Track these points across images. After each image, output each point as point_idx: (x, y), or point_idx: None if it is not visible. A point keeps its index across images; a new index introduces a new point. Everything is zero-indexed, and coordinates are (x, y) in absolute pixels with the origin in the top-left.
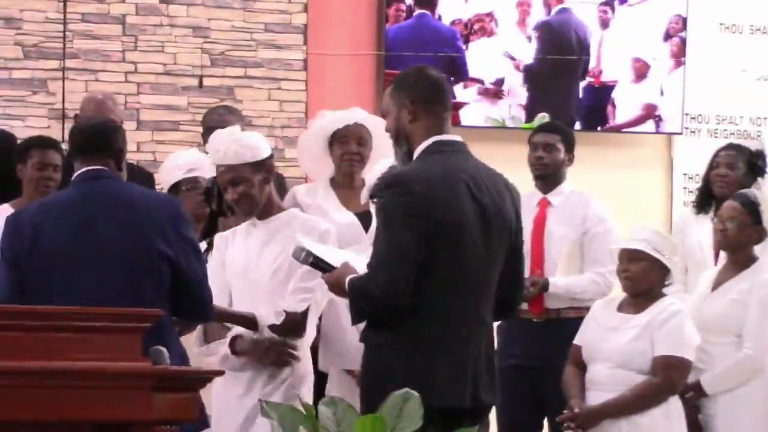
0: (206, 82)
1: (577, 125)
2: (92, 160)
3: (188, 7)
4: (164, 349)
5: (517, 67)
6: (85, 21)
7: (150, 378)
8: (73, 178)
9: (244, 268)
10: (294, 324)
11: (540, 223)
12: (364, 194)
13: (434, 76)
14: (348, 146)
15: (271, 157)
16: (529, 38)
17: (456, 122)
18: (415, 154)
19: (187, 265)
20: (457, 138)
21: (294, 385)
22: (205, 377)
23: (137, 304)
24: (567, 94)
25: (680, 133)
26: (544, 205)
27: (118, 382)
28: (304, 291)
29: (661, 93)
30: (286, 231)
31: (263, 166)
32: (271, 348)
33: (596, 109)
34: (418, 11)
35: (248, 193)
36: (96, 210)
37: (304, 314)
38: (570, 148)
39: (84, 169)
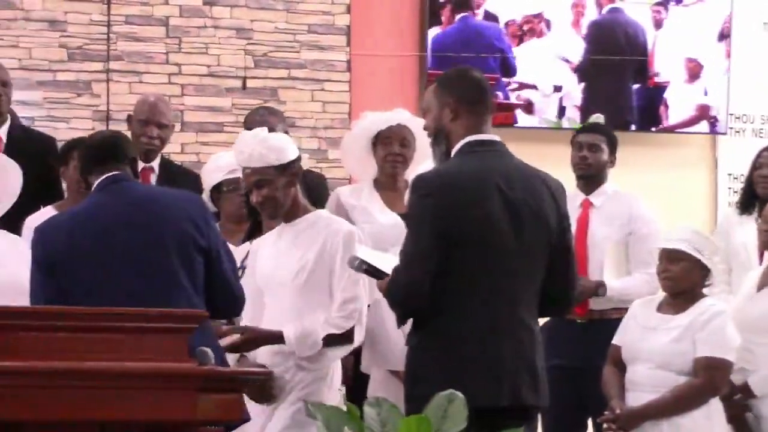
0: (250, 83)
1: (632, 126)
2: (109, 169)
3: (232, 9)
4: (210, 350)
5: (571, 68)
6: (129, 23)
7: (196, 379)
8: (94, 186)
9: (271, 270)
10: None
11: (583, 224)
12: (407, 196)
13: (478, 77)
14: (391, 147)
15: (297, 159)
16: (583, 38)
17: (511, 123)
18: (452, 154)
19: (219, 257)
20: (494, 137)
21: (311, 389)
22: (250, 378)
23: (176, 302)
24: (621, 95)
25: (725, 134)
26: (586, 205)
27: (165, 383)
28: (351, 301)
29: (705, 93)
30: (311, 232)
31: (288, 169)
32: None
33: (649, 109)
34: (467, 13)
35: (272, 196)
36: (125, 211)
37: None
38: (613, 149)
39: (104, 176)
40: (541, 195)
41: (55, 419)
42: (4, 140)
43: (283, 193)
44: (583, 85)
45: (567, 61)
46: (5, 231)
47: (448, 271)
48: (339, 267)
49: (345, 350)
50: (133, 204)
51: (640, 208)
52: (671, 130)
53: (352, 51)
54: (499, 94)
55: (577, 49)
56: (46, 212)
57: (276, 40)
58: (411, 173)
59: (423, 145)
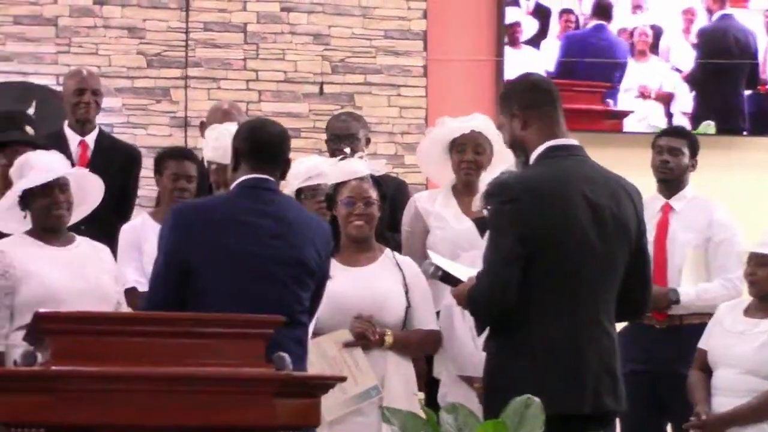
0: (326, 89)
1: (744, 131)
2: (262, 170)
3: (309, 15)
4: (287, 355)
5: (682, 77)
6: (207, 30)
7: (273, 384)
8: (238, 181)
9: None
10: None
11: (662, 228)
12: (476, 202)
13: (539, 81)
14: (465, 155)
15: None
16: (693, 46)
17: (618, 129)
18: (531, 160)
19: (322, 289)
20: (573, 141)
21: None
22: (327, 383)
23: (289, 314)
24: (732, 101)
25: None
26: (666, 210)
27: (243, 388)
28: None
29: None
30: None
31: None
32: None
33: (761, 115)
34: (595, 22)
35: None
36: (258, 220)
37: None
38: (694, 153)
39: (252, 176)
40: (621, 199)
41: (133, 424)
42: (92, 147)
43: None
44: (693, 93)
45: (678, 70)
46: (88, 238)
47: (530, 276)
48: None
49: None
50: (275, 216)
51: (718, 214)
52: None
53: (429, 56)
54: (609, 101)
55: (687, 57)
56: (141, 221)
57: (353, 45)
58: (489, 178)
59: (500, 150)
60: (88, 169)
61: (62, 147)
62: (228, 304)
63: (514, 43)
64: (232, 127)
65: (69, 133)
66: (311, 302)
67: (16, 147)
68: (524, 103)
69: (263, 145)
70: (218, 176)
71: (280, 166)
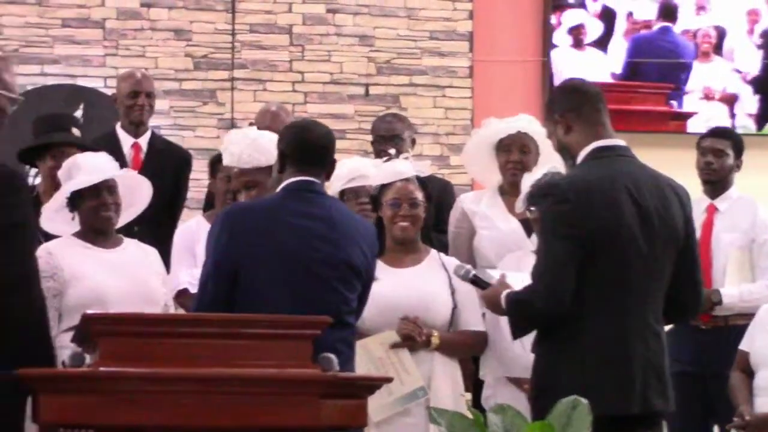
0: (372, 90)
1: None
2: (308, 172)
3: (354, 17)
4: (333, 356)
5: (744, 78)
6: (253, 32)
7: (320, 385)
8: (285, 184)
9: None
10: None
11: (707, 229)
12: (519, 203)
13: (577, 84)
14: (511, 155)
15: None
16: (757, 47)
17: (682, 130)
18: (578, 161)
19: (368, 290)
20: (620, 142)
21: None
22: (374, 384)
23: (337, 315)
24: None
25: None
26: (711, 210)
27: (289, 389)
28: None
29: None
30: None
31: None
32: None
33: None
34: (661, 24)
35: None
36: (305, 222)
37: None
38: (739, 153)
39: (298, 179)
40: (669, 200)
41: (181, 425)
42: (144, 150)
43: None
44: (758, 94)
45: (742, 71)
46: (137, 240)
47: (580, 277)
48: None
49: None
50: (322, 218)
51: (762, 215)
52: None
53: (474, 57)
54: (674, 102)
55: (751, 58)
56: (196, 223)
57: (398, 47)
58: (531, 179)
59: (547, 150)
60: (140, 171)
61: (115, 149)
62: (276, 306)
63: (578, 45)
64: (251, 133)
65: (122, 135)
66: (357, 303)
67: (63, 149)
68: (564, 107)
69: (309, 148)
70: (240, 180)
71: (326, 168)
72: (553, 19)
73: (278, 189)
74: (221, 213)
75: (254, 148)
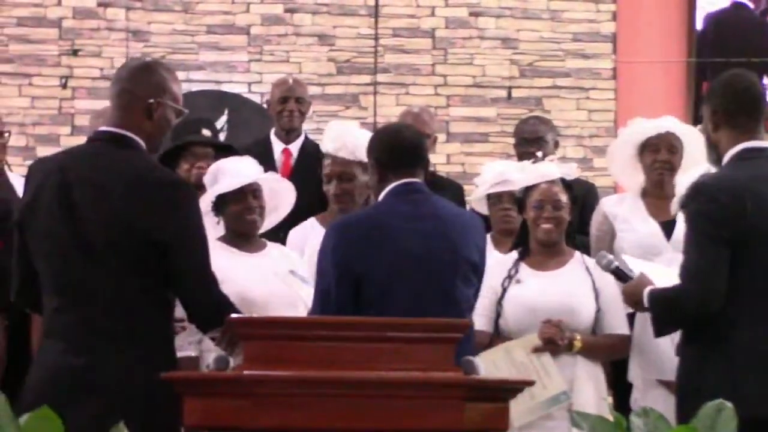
0: (515, 93)
1: None
2: (408, 174)
3: (497, 19)
4: (476, 359)
5: None
6: (396, 36)
7: (463, 388)
8: (389, 189)
9: None
10: None
11: None
12: (674, 205)
13: (742, 86)
14: (658, 154)
15: None
16: None
17: None
18: (724, 162)
19: (480, 282)
20: (766, 144)
21: None
22: (516, 387)
23: (453, 315)
24: None
25: None
26: None
27: (432, 392)
28: None
29: None
30: None
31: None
32: None
33: None
34: None
35: (350, 191)
36: (418, 223)
37: None
38: None
39: (401, 182)
40: None
41: (325, 427)
42: (295, 155)
43: (360, 192)
44: None
45: None
46: (279, 244)
47: (729, 279)
48: None
49: None
50: (433, 216)
51: None
52: None
53: (618, 58)
54: None
55: None
56: (310, 224)
57: (541, 49)
58: (679, 181)
59: (691, 152)
60: (290, 177)
61: (267, 154)
62: (402, 310)
63: None
64: (353, 127)
65: (274, 141)
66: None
67: (194, 150)
68: (720, 107)
69: (405, 150)
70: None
71: (423, 167)
72: None
73: (382, 196)
74: (331, 227)
75: (355, 142)
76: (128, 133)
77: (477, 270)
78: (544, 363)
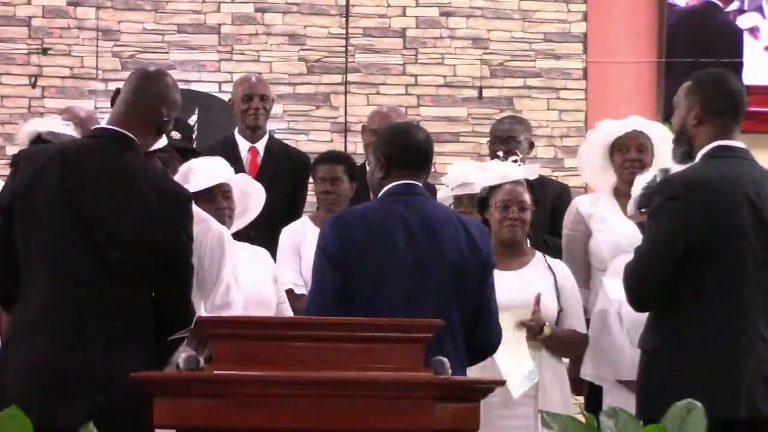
0: (485, 93)
1: None
2: (413, 175)
3: (468, 19)
4: (446, 360)
5: None
6: (367, 35)
7: (433, 388)
8: (390, 188)
9: None
10: None
11: None
12: (630, 206)
13: (732, 88)
14: (628, 154)
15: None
16: None
17: None
18: (697, 157)
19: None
20: (741, 144)
21: None
22: (487, 388)
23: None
24: None
25: None
26: None
27: (402, 393)
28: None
29: None
30: None
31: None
32: None
33: None
34: None
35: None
36: (413, 224)
37: None
38: None
39: (403, 182)
40: None
41: (295, 428)
42: (262, 154)
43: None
44: None
45: None
46: (248, 243)
47: (690, 276)
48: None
49: None
50: (426, 219)
51: None
52: None
53: (588, 58)
54: None
55: None
56: (304, 222)
57: (512, 49)
58: (642, 181)
59: (660, 151)
60: (257, 176)
61: (233, 154)
62: (391, 309)
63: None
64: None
65: (239, 140)
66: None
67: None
68: (709, 104)
69: (414, 152)
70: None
71: (427, 170)
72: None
73: (381, 193)
74: (328, 220)
75: None
76: (130, 135)
77: (467, 272)
78: (520, 340)
